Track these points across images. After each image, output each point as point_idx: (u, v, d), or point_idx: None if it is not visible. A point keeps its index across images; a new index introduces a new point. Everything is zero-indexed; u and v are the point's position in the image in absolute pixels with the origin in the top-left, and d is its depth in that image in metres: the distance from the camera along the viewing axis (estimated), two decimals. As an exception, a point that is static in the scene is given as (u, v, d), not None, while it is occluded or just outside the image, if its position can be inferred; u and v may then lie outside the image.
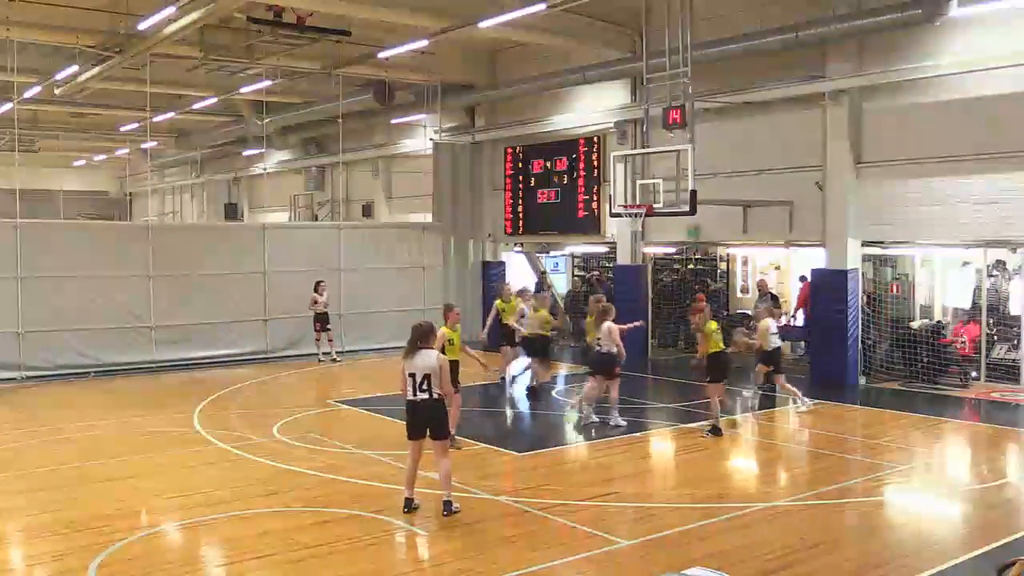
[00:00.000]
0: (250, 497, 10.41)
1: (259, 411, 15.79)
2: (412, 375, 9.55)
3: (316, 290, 21.18)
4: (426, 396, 9.56)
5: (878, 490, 10.93)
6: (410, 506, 9.62)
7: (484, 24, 17.54)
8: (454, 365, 12.20)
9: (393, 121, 27.66)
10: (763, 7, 18.11)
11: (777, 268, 22.32)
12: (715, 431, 13.49)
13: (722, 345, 14.20)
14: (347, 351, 22.40)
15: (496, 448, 12.92)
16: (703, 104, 18.12)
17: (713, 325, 14.07)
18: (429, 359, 9.57)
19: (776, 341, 15.60)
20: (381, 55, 20.83)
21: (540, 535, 9.14)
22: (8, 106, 27.59)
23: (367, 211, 31.13)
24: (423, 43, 19.50)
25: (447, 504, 9.58)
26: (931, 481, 11.73)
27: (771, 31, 17.35)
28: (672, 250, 22.70)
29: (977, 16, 15.30)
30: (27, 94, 25.39)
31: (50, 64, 22.37)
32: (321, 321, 21.34)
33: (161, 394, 17.41)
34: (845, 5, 16.71)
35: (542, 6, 16.31)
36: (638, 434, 13.86)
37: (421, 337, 9.65)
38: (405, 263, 24.18)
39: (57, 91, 23.95)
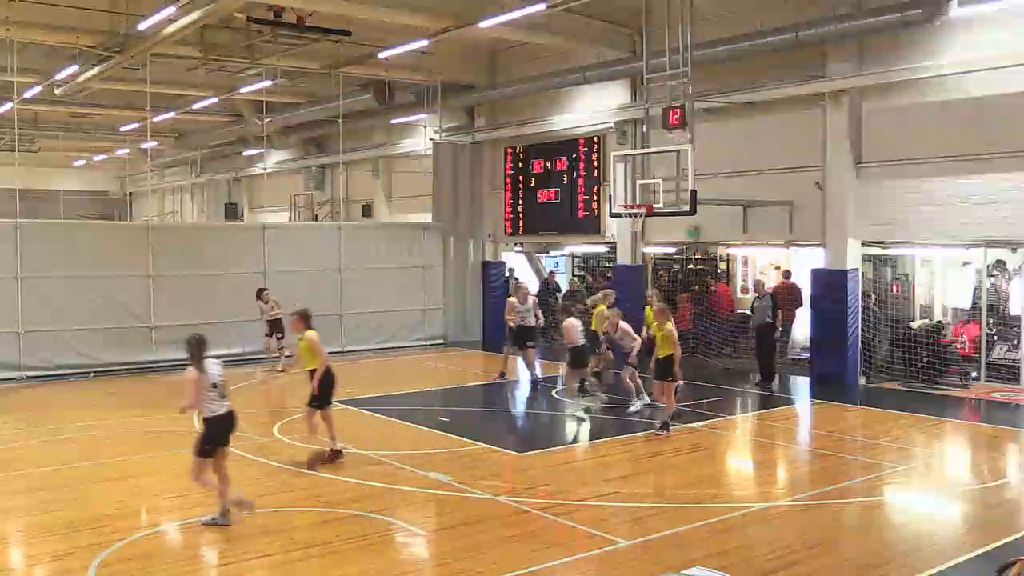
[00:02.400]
0: (250, 497, 10.39)
1: (259, 411, 15.77)
2: (216, 384, 9.46)
3: (259, 298, 19.90)
4: (229, 404, 9.55)
5: (878, 490, 10.94)
6: (250, 507, 9.46)
7: (484, 24, 17.56)
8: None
9: (393, 121, 27.66)
10: (763, 7, 18.11)
11: (777, 268, 22.32)
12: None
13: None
14: (347, 351, 22.36)
15: (496, 448, 12.91)
16: (703, 104, 18.13)
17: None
18: (221, 368, 9.59)
19: (580, 339, 15.67)
20: (381, 55, 20.84)
21: (540, 535, 9.13)
22: (8, 106, 27.64)
23: (367, 211, 31.14)
24: (423, 43, 19.51)
25: (226, 514, 9.34)
26: (931, 481, 11.74)
27: (771, 31, 17.36)
28: (672, 250, 22.68)
29: (977, 16, 15.31)
30: (27, 94, 25.39)
31: (50, 64, 22.37)
32: (272, 327, 19.91)
33: (161, 394, 17.37)
34: (845, 5, 16.71)
35: (542, 6, 16.33)
36: (638, 434, 13.85)
37: (204, 347, 9.60)
38: (405, 263, 24.18)
39: (57, 91, 23.96)
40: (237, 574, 8.27)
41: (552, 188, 23.77)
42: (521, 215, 24.78)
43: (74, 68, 21.30)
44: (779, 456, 13.14)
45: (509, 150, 24.97)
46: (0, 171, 33.98)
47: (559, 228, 23.88)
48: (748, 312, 19.93)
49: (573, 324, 15.80)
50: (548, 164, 23.89)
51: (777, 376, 18.07)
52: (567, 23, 19.23)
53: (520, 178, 24.72)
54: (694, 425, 14.26)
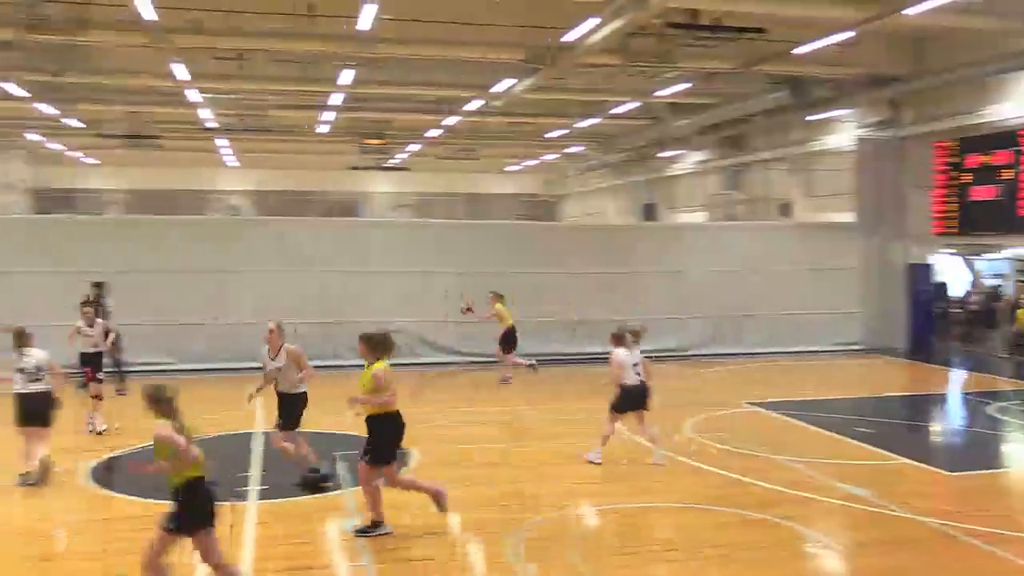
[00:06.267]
0: (656, 492, 10.65)
1: (673, 408, 15.61)
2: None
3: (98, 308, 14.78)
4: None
5: None
6: None
7: (911, 11, 16.38)
8: None
9: (809, 118, 26.77)
10: None
11: None
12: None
13: None
14: (756, 352, 22.18)
15: (920, 464, 12.03)
16: None
17: None
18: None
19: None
20: (798, 50, 20.26)
21: (966, 562, 8.39)
22: (456, 119, 30.79)
23: (784, 210, 30.48)
24: (845, 35, 18.65)
25: None
26: None
27: None
28: None
29: None
30: (470, 107, 28.05)
31: (485, 79, 24.46)
32: (91, 365, 13.64)
33: (577, 385, 18.06)
34: None
35: (980, -14, 14.93)
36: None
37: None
38: (823, 264, 23.33)
39: (495, 103, 26.16)
40: (633, 566, 8.42)
41: (989, 184, 21.64)
42: (951, 214, 22.83)
43: (512, 81, 23.12)
44: None
45: (938, 144, 23.10)
46: (448, 177, 37.94)
47: (996, 228, 21.67)
48: None
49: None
50: (984, 158, 21.78)
51: None
52: (1003, 5, 17.35)
53: (950, 174, 22.79)
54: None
